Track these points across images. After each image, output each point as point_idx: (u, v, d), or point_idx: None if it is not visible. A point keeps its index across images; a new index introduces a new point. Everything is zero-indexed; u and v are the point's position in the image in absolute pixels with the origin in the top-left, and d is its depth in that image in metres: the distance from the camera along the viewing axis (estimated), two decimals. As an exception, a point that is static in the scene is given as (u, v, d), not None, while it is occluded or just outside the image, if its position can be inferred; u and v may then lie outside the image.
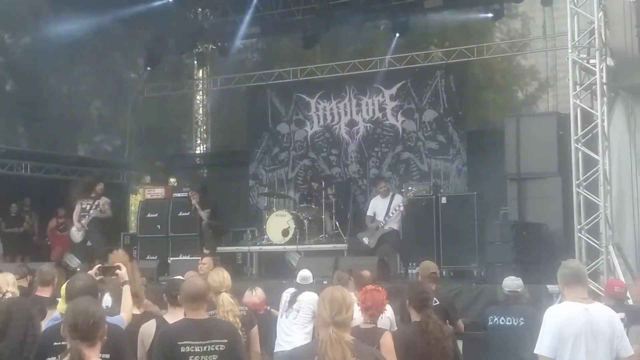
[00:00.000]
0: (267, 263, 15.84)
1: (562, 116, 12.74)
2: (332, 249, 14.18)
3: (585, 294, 5.32)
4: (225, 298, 6.50)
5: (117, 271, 6.28)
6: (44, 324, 6.09)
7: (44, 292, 7.37)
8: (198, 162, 22.37)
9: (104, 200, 14.73)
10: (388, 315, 7.43)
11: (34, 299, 7.21)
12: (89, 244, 14.74)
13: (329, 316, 4.39)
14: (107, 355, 4.91)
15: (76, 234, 14.75)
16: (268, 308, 9.48)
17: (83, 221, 14.63)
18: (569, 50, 10.16)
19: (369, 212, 13.54)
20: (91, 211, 14.61)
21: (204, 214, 15.53)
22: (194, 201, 15.64)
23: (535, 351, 5.22)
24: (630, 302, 8.34)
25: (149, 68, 19.96)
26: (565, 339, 5.11)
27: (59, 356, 4.27)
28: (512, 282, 8.33)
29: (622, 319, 7.29)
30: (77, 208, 14.83)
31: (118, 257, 6.59)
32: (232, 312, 6.39)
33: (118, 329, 5.36)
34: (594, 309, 5.26)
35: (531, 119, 13.64)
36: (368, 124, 18.77)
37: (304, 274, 9.41)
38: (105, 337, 4.33)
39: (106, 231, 15.39)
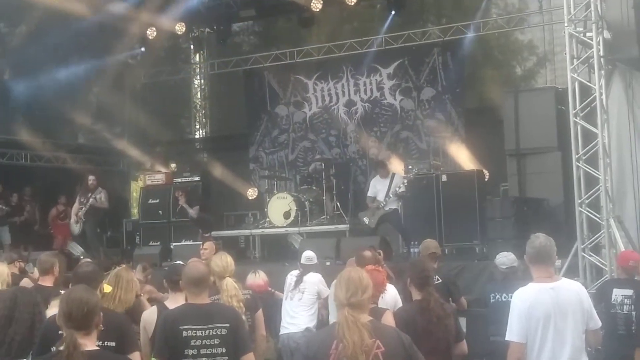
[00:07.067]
0: (269, 246, 15.85)
1: (560, 91, 12.74)
2: (334, 230, 14.19)
3: (550, 272, 5.31)
4: (229, 283, 6.49)
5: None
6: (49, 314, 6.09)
7: (46, 282, 7.35)
8: (198, 147, 22.36)
9: (100, 192, 15.27)
10: (392, 294, 7.43)
11: (36, 288, 7.20)
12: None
13: (345, 297, 4.33)
14: (113, 343, 4.95)
15: (74, 226, 15.40)
16: (272, 290, 9.51)
17: (80, 213, 15.21)
18: (566, 24, 10.12)
19: (370, 193, 13.49)
20: (87, 203, 15.16)
21: (192, 212, 15.59)
22: (180, 202, 15.70)
23: (507, 338, 5.23)
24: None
25: (142, 49, 19.84)
26: (534, 321, 5.12)
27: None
28: (506, 259, 8.35)
29: (629, 296, 7.27)
30: (76, 203, 15.49)
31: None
32: (236, 297, 6.38)
33: (122, 316, 5.37)
34: (560, 286, 5.27)
35: (529, 94, 13.62)
36: (366, 104, 18.74)
37: (308, 254, 9.43)
38: (102, 326, 4.33)
39: (103, 222, 16.09)
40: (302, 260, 9.39)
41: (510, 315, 5.23)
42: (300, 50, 19.14)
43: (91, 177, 15.36)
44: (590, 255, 9.69)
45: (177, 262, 7.99)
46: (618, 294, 7.39)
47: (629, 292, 7.31)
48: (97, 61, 18.81)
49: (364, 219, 13.28)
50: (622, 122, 10.31)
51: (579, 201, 9.87)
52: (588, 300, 5.35)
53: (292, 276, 9.30)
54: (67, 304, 4.22)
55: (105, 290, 6.05)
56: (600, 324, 5.38)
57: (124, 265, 7.16)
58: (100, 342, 4.46)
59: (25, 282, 8.09)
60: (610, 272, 9.29)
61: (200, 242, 11.54)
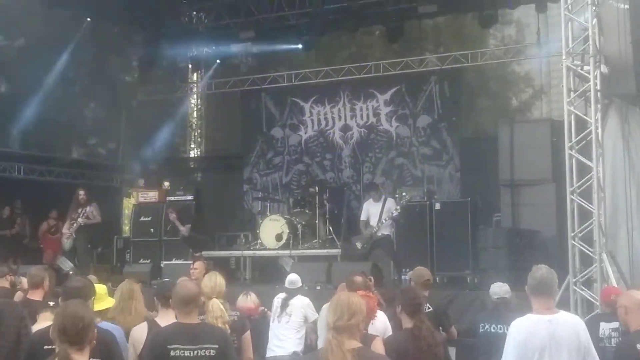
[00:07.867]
0: (260, 268, 15.78)
1: (555, 123, 12.76)
2: (326, 254, 14.14)
3: (549, 304, 5.29)
4: (215, 304, 6.45)
5: None
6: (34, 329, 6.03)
7: (35, 295, 7.29)
8: (192, 166, 22.32)
9: (92, 207, 15.04)
10: (382, 321, 7.38)
11: (24, 301, 7.15)
12: None
13: (331, 320, 4.29)
14: (98, 360, 4.89)
15: (65, 241, 15.23)
16: (264, 309, 9.47)
17: (70, 229, 15.02)
18: (563, 57, 10.12)
19: (363, 217, 13.51)
20: (79, 219, 14.96)
21: (183, 229, 15.57)
22: (171, 217, 15.71)
23: None
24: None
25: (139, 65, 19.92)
26: (530, 353, 5.10)
27: (47, 360, 4.24)
28: (499, 289, 8.32)
29: (616, 329, 7.25)
30: (68, 219, 15.29)
31: None
32: (222, 318, 6.34)
33: (108, 333, 5.32)
34: (558, 319, 5.24)
35: (525, 126, 13.67)
36: (362, 129, 18.76)
37: (292, 278, 9.47)
38: (94, 342, 4.29)
39: (93, 238, 15.82)
40: (286, 284, 9.42)
41: (506, 345, 5.21)
42: (298, 73, 19.20)
43: (81, 192, 15.20)
44: (582, 290, 9.62)
45: (166, 279, 7.94)
46: (605, 327, 7.35)
47: (615, 324, 7.28)
48: (94, 76, 18.81)
49: (357, 243, 13.27)
50: (618, 156, 10.30)
51: (572, 234, 9.82)
52: (586, 334, 5.31)
53: (278, 299, 9.30)
54: (62, 318, 4.19)
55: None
56: (598, 359, 5.34)
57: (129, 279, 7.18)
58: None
59: (18, 296, 8.03)
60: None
61: (191, 262, 11.49)
